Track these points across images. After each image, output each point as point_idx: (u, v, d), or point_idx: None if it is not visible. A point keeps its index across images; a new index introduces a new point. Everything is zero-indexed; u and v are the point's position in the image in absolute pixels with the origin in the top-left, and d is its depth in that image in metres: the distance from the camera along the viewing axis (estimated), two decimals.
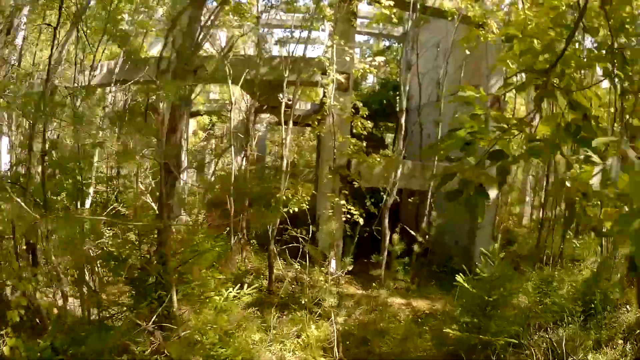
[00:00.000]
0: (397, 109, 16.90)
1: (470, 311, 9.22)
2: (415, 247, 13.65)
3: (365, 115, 13.12)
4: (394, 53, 29.09)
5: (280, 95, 13.57)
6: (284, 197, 12.16)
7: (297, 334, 10.21)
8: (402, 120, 13.41)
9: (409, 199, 15.80)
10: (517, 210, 22.38)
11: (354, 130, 13.31)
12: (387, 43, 29.48)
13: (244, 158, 15.08)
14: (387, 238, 13.33)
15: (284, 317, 11.14)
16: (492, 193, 15.37)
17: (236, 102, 14.77)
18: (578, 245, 15.51)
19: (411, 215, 18.67)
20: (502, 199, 19.01)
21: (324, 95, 13.52)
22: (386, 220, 13.20)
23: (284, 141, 13.21)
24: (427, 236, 14.03)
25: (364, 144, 13.23)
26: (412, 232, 15.02)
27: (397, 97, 24.97)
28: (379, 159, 13.14)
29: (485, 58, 16.14)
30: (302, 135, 37.51)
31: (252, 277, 13.67)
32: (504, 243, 17.96)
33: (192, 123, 26.27)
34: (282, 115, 13.09)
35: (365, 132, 12.97)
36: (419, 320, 11.95)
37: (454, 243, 17.01)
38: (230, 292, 8.90)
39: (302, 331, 10.18)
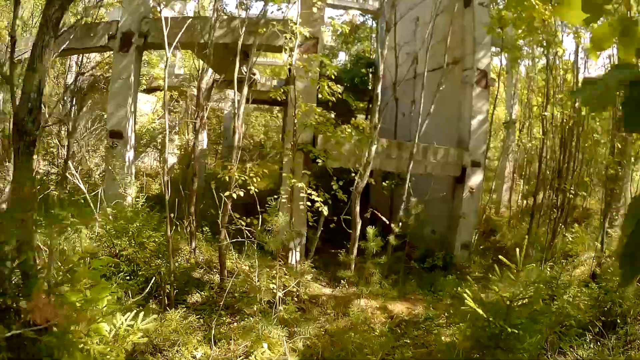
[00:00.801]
0: (371, 87, 14.49)
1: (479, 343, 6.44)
2: (391, 239, 10.96)
3: (333, 77, 10.20)
4: (368, 30, 26.30)
5: (236, 60, 10.74)
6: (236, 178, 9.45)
7: (246, 351, 7.72)
8: (378, 89, 10.67)
9: (383, 182, 13.05)
10: (494, 197, 19.72)
11: (320, 96, 10.44)
12: (361, 19, 26.58)
13: (195, 134, 12.21)
14: (358, 228, 10.63)
15: (235, 322, 8.85)
16: (477, 178, 12.84)
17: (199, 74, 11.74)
18: (571, 238, 12.97)
19: (384, 200, 16.07)
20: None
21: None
22: (357, 208, 10.54)
23: (236, 111, 10.41)
24: (404, 226, 11.29)
25: (333, 115, 10.39)
26: (386, 220, 12.42)
27: (371, 74, 22.55)
28: (349, 131, 10.31)
29: (472, 28, 13.43)
30: (271, 115, 34.76)
31: (203, 271, 11.27)
32: (485, 233, 15.51)
33: (151, 99, 23.20)
34: (235, 81, 10.25)
35: (333, 99, 10.15)
36: (399, 329, 9.37)
37: (431, 232, 14.39)
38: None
39: (254, 347, 7.73)
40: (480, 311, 6.01)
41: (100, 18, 16.66)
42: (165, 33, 9.57)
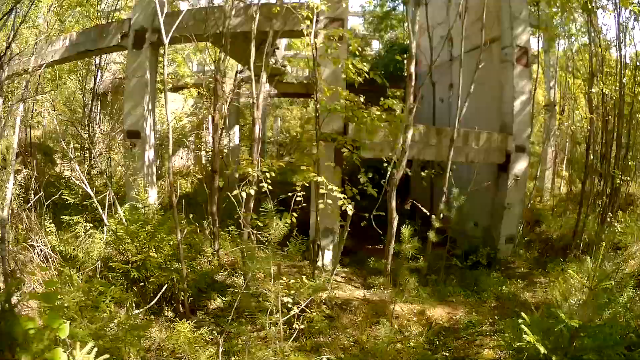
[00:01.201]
0: (406, 73, 13.11)
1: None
2: (431, 235, 9.58)
3: (358, 53, 8.86)
4: (400, 17, 24.73)
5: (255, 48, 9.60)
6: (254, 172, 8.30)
7: None
8: (412, 68, 9.26)
9: (422, 172, 11.65)
10: (537, 184, 18.07)
11: (346, 78, 9.12)
12: (391, 5, 25.01)
13: (215, 128, 11.06)
14: (395, 225, 9.29)
15: (256, 332, 7.57)
16: (522, 165, 11.33)
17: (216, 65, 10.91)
18: (620, 229, 11.41)
19: (424, 192, 14.66)
20: None
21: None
22: (393, 202, 9.17)
23: (254, 100, 9.21)
24: (444, 220, 9.92)
25: (362, 98, 9.05)
26: (426, 212, 11.10)
27: (405, 61, 21.08)
28: (379, 113, 8.97)
29: (508, 2, 12.02)
30: (306, 107, 33.40)
31: (227, 273, 10.11)
32: (529, 224, 13.97)
33: (178, 98, 22.15)
34: (251, 68, 9.05)
35: (360, 79, 8.81)
36: (437, 339, 8.04)
37: (474, 225, 12.92)
38: None
39: None
40: (542, 348, 4.53)
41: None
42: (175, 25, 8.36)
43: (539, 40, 17.21)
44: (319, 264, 10.36)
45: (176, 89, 20.30)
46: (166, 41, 8.16)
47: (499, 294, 10.07)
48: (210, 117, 21.26)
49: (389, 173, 9.17)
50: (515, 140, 11.85)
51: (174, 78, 20.01)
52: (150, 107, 11.90)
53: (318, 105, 8.84)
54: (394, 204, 9.25)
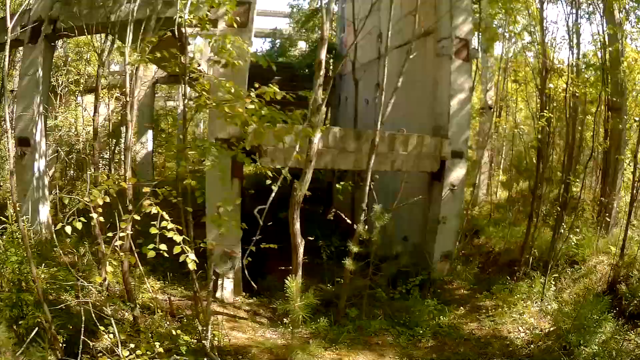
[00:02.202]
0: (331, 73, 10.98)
1: None
2: (347, 263, 7.22)
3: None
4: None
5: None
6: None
7: None
8: (322, 54, 6.78)
9: (338, 185, 9.17)
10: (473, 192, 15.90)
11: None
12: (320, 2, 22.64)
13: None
14: (300, 252, 6.83)
15: None
16: (459, 172, 9.09)
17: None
18: (575, 241, 9.74)
19: (346, 205, 12.33)
20: None
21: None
22: (297, 224, 6.69)
23: (127, 98, 6.70)
24: (365, 240, 7.57)
25: (263, 102, 6.59)
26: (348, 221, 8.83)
27: (332, 60, 18.76)
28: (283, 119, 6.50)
29: None
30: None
31: (118, 303, 7.43)
32: (467, 237, 11.78)
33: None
34: (126, 61, 6.73)
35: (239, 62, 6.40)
36: None
37: (402, 239, 10.57)
38: None
39: None
40: None
41: None
42: None
43: (478, 39, 15.02)
44: (218, 295, 8.51)
45: (90, 90, 17.19)
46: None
47: (437, 328, 8.01)
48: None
49: (293, 188, 6.66)
50: (452, 145, 9.67)
51: (88, 79, 16.84)
52: (40, 110, 9.83)
53: (187, 101, 6.30)
54: (297, 226, 6.81)
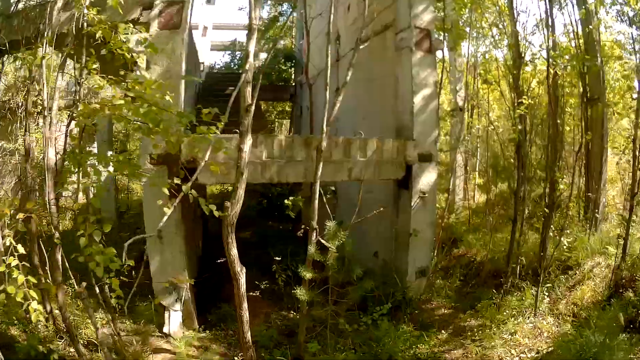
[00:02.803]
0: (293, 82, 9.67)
1: None
2: (300, 294, 5.84)
3: None
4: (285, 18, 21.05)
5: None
6: None
7: None
8: (251, 45, 5.36)
9: (286, 200, 7.68)
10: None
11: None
12: (283, 7, 21.18)
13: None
14: (242, 280, 5.39)
15: None
16: (429, 177, 7.73)
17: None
18: (566, 243, 8.41)
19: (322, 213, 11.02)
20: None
21: None
22: (233, 249, 5.27)
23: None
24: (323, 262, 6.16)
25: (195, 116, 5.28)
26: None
27: (292, 68, 17.41)
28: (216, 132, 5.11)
29: None
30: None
31: (64, 340, 6.46)
32: (446, 247, 10.40)
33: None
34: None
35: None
36: None
37: (373, 255, 9.16)
38: None
39: None
40: None
41: None
42: None
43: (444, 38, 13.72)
44: (165, 329, 7.29)
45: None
46: None
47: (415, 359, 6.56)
48: None
49: (224, 207, 5.21)
50: (418, 148, 8.30)
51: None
52: None
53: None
54: (234, 251, 5.34)
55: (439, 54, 14.80)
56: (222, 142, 6.76)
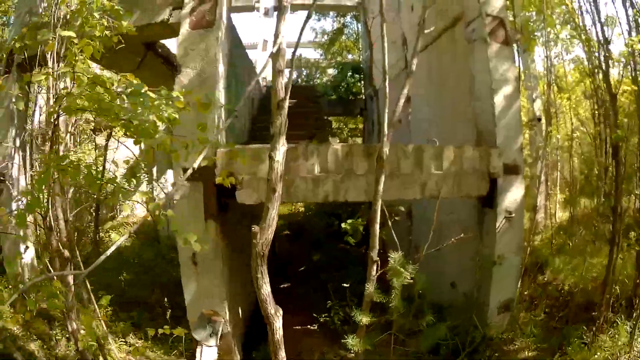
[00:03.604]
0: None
1: None
2: (353, 343, 4.27)
3: None
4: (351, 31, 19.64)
5: None
6: None
7: None
8: (282, 26, 3.97)
9: (345, 224, 6.15)
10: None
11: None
12: (347, 18, 19.72)
13: None
14: (277, 326, 3.98)
15: None
16: (516, 193, 5.99)
17: None
18: None
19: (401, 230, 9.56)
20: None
21: None
22: (265, 287, 3.89)
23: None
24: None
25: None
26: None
27: (361, 81, 15.94)
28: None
29: None
30: None
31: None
32: (530, 274, 8.55)
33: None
34: None
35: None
36: None
37: (450, 287, 7.41)
38: None
39: None
40: None
41: None
42: None
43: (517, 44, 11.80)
44: None
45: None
46: None
47: None
48: None
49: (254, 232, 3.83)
50: (503, 157, 6.48)
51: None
52: (17, 144, 7.97)
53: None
54: (266, 288, 4.00)
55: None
56: (263, 152, 5.47)
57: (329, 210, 12.82)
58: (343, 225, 5.62)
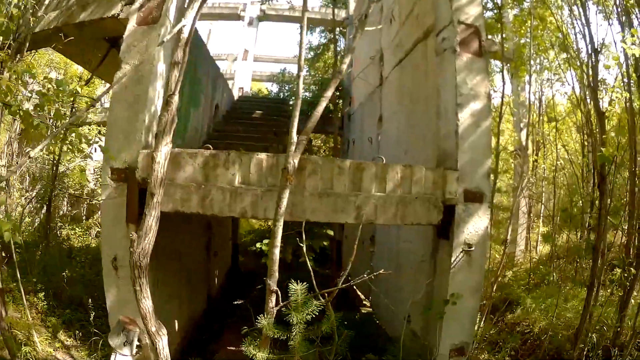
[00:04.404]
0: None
1: None
2: None
3: None
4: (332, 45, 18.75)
5: None
6: None
7: None
8: None
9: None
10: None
11: None
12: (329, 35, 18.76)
13: None
14: (160, 343, 3.14)
15: None
16: (478, 224, 4.95)
17: None
18: None
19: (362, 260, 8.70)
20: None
21: None
22: (145, 300, 3.17)
23: None
24: None
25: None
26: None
27: (339, 99, 14.96)
28: None
29: None
30: None
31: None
32: (497, 312, 7.49)
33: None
34: None
35: None
36: None
37: (406, 322, 6.31)
38: None
39: None
40: None
41: None
42: None
43: (503, 74, 10.77)
44: None
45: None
46: None
47: None
48: None
49: None
50: (464, 182, 5.45)
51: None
52: None
53: None
54: (146, 303, 3.27)
55: (498, 83, 12.07)
56: (182, 157, 4.53)
57: (306, 227, 11.95)
58: (258, 244, 4.64)
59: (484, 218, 5.59)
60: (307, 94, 17.95)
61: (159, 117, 3.38)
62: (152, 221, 3.35)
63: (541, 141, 12.60)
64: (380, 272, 4.00)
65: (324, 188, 4.75)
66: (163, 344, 3.53)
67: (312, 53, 18.30)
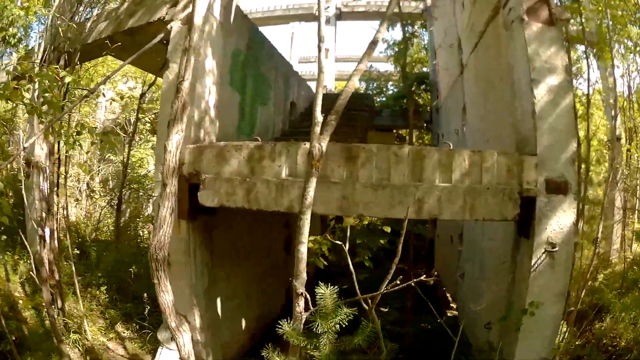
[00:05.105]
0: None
1: None
2: None
3: None
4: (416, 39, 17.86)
5: None
6: None
7: None
8: None
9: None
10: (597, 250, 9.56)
11: None
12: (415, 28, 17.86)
13: None
14: None
15: None
16: (563, 219, 4.08)
17: None
18: None
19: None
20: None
21: None
22: None
23: None
24: None
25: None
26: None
27: (427, 91, 14.51)
28: None
29: None
30: None
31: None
32: (583, 320, 6.47)
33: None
34: None
35: None
36: None
37: (485, 328, 5.54)
38: None
39: None
40: None
41: None
42: None
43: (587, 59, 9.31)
44: None
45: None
46: None
47: None
48: None
49: None
50: (544, 169, 4.55)
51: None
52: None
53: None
54: None
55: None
56: (228, 150, 4.19)
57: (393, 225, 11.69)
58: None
59: (569, 213, 4.62)
60: (393, 88, 17.51)
61: (170, 105, 3.09)
62: (165, 212, 3.08)
63: (634, 129, 11.07)
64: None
65: (379, 179, 4.16)
66: (184, 340, 3.25)
67: (395, 49, 17.54)
